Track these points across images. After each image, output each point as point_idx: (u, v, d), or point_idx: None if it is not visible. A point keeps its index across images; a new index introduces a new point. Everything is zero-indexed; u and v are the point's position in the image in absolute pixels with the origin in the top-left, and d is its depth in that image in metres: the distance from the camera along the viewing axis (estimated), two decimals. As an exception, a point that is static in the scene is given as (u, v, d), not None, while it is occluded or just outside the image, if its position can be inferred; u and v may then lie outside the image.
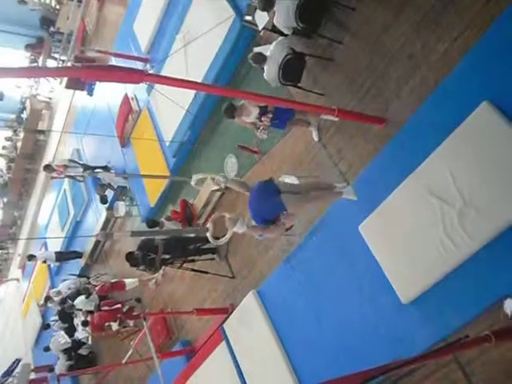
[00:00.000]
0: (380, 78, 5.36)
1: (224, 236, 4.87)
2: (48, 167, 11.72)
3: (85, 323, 11.35)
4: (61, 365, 12.58)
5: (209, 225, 5.02)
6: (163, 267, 8.76)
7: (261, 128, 5.90)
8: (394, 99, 5.18)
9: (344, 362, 4.72)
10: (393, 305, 4.51)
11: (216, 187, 6.58)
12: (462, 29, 4.58)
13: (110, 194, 11.87)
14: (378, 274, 4.61)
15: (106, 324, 10.52)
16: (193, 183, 6.10)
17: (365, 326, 4.83)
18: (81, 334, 12.34)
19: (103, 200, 11.77)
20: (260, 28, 6.47)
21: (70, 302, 11.76)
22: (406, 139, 4.66)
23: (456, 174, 4.08)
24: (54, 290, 13.66)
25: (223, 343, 6.81)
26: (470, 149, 4.01)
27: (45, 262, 15.42)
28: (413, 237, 4.38)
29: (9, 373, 15.49)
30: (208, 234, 4.91)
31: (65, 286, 13.03)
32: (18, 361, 16.05)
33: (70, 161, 12.04)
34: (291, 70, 5.83)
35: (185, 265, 8.18)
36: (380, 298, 4.69)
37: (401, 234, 4.49)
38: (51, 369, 13.53)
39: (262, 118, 5.79)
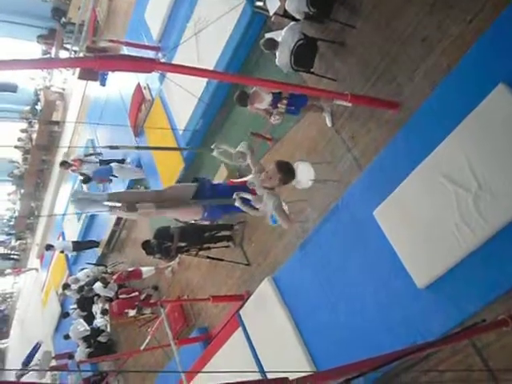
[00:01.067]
0: (393, 63, 5.31)
1: None
2: (64, 164, 11.88)
3: (104, 311, 11.53)
4: (80, 352, 12.81)
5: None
6: (179, 255, 8.83)
7: (275, 113, 5.88)
8: (408, 84, 5.13)
9: (360, 346, 4.72)
10: (408, 290, 4.50)
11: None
12: (477, 11, 4.50)
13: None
14: (393, 259, 4.60)
15: (125, 311, 10.70)
16: (215, 154, 6.09)
17: (380, 311, 4.83)
18: (99, 321, 12.54)
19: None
20: (271, 13, 6.42)
21: (86, 288, 11.95)
22: (420, 124, 4.61)
23: (471, 158, 4.03)
24: (73, 276, 13.89)
25: (240, 329, 6.86)
26: (486, 132, 3.96)
27: (62, 252, 15.65)
28: (428, 221, 4.36)
29: (30, 357, 15.78)
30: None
31: (83, 273, 13.26)
32: (38, 345, 16.31)
33: (86, 155, 12.18)
34: (303, 55, 5.80)
35: (200, 252, 8.24)
36: (395, 283, 4.67)
37: (416, 219, 4.46)
38: (71, 356, 13.81)
39: (278, 104, 5.77)
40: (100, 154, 12.70)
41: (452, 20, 4.71)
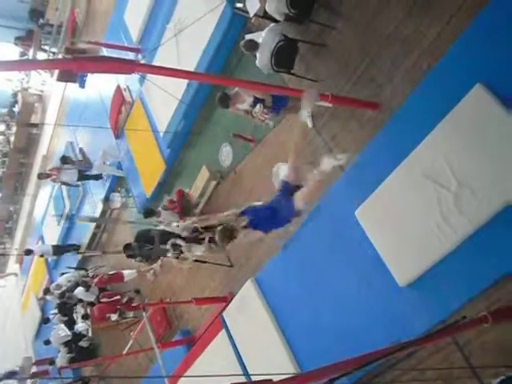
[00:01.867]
0: (373, 63, 5.34)
1: None
2: (42, 175, 11.76)
3: (85, 316, 11.41)
4: (62, 357, 12.65)
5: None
6: (161, 258, 8.76)
7: (260, 117, 5.90)
8: (388, 84, 5.17)
9: (343, 346, 4.72)
10: (390, 288, 4.53)
11: None
12: (454, 12, 4.56)
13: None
14: (375, 258, 4.63)
15: (107, 315, 10.60)
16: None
17: (363, 310, 4.86)
18: (81, 326, 12.40)
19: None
20: (251, 15, 6.42)
21: (67, 294, 11.80)
22: (400, 123, 4.66)
23: (450, 157, 4.08)
24: (54, 283, 13.70)
25: (223, 331, 6.85)
26: (464, 131, 4.02)
27: (42, 256, 15.42)
28: (409, 220, 4.40)
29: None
30: None
31: (64, 278, 13.08)
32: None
33: (63, 159, 12.08)
34: (284, 56, 5.80)
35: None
36: (377, 282, 4.71)
37: (397, 218, 4.50)
38: (52, 362, 13.60)
39: (256, 110, 5.78)
40: (75, 161, 12.64)
41: (430, 21, 4.76)
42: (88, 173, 11.82)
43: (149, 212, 8.29)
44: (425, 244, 4.23)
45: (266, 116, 5.84)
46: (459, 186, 4.03)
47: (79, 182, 12.05)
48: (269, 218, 4.64)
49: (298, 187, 4.45)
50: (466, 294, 4.00)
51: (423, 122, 4.33)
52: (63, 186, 15.32)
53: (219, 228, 4.82)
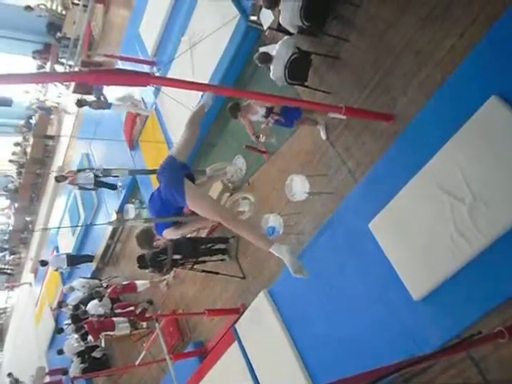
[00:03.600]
0: (387, 75, 5.35)
1: None
2: (59, 177, 11.88)
3: (83, 335, 11.53)
4: (75, 368, 12.67)
5: None
6: (174, 269, 8.79)
7: (263, 126, 5.94)
8: (402, 96, 5.17)
9: (356, 360, 4.69)
10: (404, 302, 4.48)
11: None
12: (469, 23, 4.56)
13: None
14: (389, 271, 4.58)
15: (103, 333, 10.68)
16: (209, 174, 6.10)
17: (376, 323, 4.81)
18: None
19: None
20: (265, 28, 6.48)
21: (82, 307, 11.83)
22: (415, 136, 4.64)
23: (465, 170, 4.05)
24: (68, 285, 13.80)
25: (235, 343, 6.81)
26: (479, 143, 3.98)
27: (57, 270, 15.52)
28: (423, 233, 4.36)
29: None
30: None
31: (79, 282, 13.16)
32: None
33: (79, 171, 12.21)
34: (297, 69, 5.83)
35: (195, 266, 8.20)
36: (391, 296, 4.66)
37: (411, 231, 4.46)
38: (65, 372, 13.65)
39: (268, 118, 5.82)
40: (93, 168, 12.73)
41: (445, 33, 4.76)
42: (103, 179, 11.89)
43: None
44: (439, 257, 4.18)
45: (271, 120, 5.84)
46: (474, 199, 3.99)
47: (95, 187, 12.06)
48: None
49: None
50: (481, 308, 3.94)
51: (438, 134, 4.31)
52: (78, 196, 15.50)
53: (137, 232, 4.84)
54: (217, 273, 7.96)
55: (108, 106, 11.00)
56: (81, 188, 12.08)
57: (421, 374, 4.45)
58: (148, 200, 4.66)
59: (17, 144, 25.22)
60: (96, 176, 11.52)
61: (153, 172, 9.75)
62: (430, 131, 4.46)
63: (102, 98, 11.14)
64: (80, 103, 11.97)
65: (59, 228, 17.08)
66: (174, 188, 4.21)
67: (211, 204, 4.34)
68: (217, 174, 6.00)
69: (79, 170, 12.07)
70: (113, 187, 12.29)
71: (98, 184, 11.89)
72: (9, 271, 29.14)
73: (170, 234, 4.66)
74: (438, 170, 4.26)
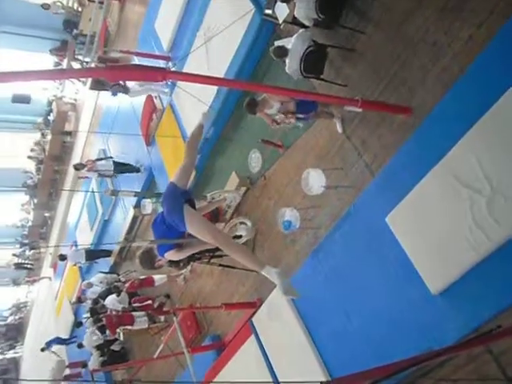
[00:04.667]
0: (404, 67, 5.29)
1: None
2: (78, 165, 12.02)
3: (101, 328, 11.70)
4: (94, 361, 12.86)
5: None
6: (191, 263, 8.84)
7: (285, 121, 5.95)
8: (419, 88, 5.11)
9: (374, 353, 4.69)
10: (422, 296, 4.45)
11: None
12: (487, 14, 4.48)
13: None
14: (406, 264, 4.55)
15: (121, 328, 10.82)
16: (209, 199, 6.29)
17: (394, 317, 4.78)
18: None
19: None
20: (280, 21, 6.45)
21: (101, 301, 11.98)
22: (432, 128, 4.59)
23: (484, 162, 4.00)
24: (86, 281, 14.00)
25: (252, 337, 6.83)
26: (498, 135, 3.93)
27: (75, 264, 15.75)
28: (441, 226, 4.32)
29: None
30: None
31: (97, 278, 13.34)
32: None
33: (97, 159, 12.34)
34: (313, 62, 5.81)
35: (212, 260, 8.24)
36: (409, 289, 4.63)
37: (429, 224, 4.42)
38: (84, 365, 13.85)
39: (286, 120, 5.86)
40: (111, 157, 12.88)
41: (462, 23, 4.69)
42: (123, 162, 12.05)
43: None
44: (457, 250, 4.14)
45: (292, 120, 5.88)
46: (493, 192, 3.94)
47: (115, 173, 12.16)
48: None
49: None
50: (500, 302, 3.89)
51: (456, 126, 4.26)
52: (95, 194, 15.66)
53: (139, 252, 5.16)
54: (233, 267, 7.98)
55: (126, 90, 11.00)
56: (100, 175, 12.20)
57: (439, 368, 4.43)
58: (152, 223, 5.05)
59: (36, 142, 25.49)
60: (115, 162, 11.64)
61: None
62: (447, 123, 4.41)
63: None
64: (97, 85, 11.98)
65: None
66: (175, 214, 4.56)
67: (208, 228, 4.60)
68: (216, 200, 6.18)
69: (98, 159, 12.22)
70: (134, 170, 12.35)
71: (119, 169, 11.99)
72: (29, 266, 29.58)
73: (172, 256, 4.98)
74: (457, 162, 4.21)
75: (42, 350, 16.79)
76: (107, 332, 12.45)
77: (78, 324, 14.83)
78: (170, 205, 4.65)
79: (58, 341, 17.30)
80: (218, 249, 8.00)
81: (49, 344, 16.95)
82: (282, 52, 5.87)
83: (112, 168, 11.96)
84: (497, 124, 3.94)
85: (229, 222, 8.06)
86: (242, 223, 7.26)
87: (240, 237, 7.33)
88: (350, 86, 5.94)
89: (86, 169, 12.05)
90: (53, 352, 17.14)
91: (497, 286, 3.92)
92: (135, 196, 11.58)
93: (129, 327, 11.03)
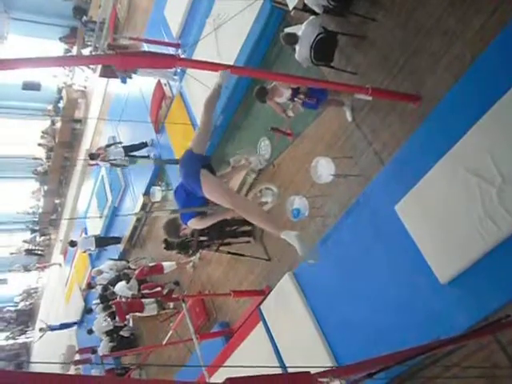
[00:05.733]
0: (414, 55, 5.24)
1: None
2: (93, 155, 12.09)
3: (111, 314, 11.82)
4: (103, 346, 13.02)
5: None
6: (200, 250, 8.89)
7: (290, 107, 5.93)
8: (430, 76, 5.07)
9: (381, 342, 4.71)
10: (431, 285, 4.46)
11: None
12: (499, 2, 4.42)
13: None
14: (415, 254, 4.56)
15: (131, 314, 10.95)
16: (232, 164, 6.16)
17: (402, 306, 4.80)
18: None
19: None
20: (290, 8, 6.39)
21: (111, 288, 12.09)
22: (442, 117, 4.56)
23: (494, 151, 3.97)
24: (96, 268, 14.13)
25: (260, 324, 6.89)
26: (509, 125, 3.90)
27: (85, 251, 15.90)
28: (451, 216, 4.31)
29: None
30: None
31: (107, 265, 13.46)
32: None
33: (107, 145, 12.38)
34: (323, 49, 5.77)
35: (221, 248, 8.28)
36: (418, 279, 4.64)
37: (438, 214, 4.42)
38: (94, 350, 14.03)
39: (295, 98, 5.79)
40: (120, 142, 12.90)
41: (474, 12, 4.63)
42: (135, 153, 12.09)
43: None
44: (467, 240, 4.14)
45: (304, 102, 5.84)
46: (503, 182, 3.91)
47: (127, 160, 12.20)
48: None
49: None
50: (509, 291, 3.89)
51: (466, 115, 4.23)
52: (106, 179, 15.74)
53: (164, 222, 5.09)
54: (242, 255, 8.02)
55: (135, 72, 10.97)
56: (113, 165, 12.27)
57: (447, 356, 4.45)
58: (174, 192, 4.94)
59: (45, 132, 25.55)
60: (125, 147, 11.69)
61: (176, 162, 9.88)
62: (458, 112, 4.38)
63: None
64: (108, 72, 11.94)
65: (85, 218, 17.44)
66: (191, 179, 4.48)
67: (225, 192, 4.50)
68: (240, 164, 6.10)
69: (108, 145, 12.26)
70: (145, 145, 12.43)
71: (129, 153, 12.06)
72: (39, 252, 29.87)
73: (194, 224, 4.87)
74: (467, 151, 4.19)
75: (41, 329, 17.24)
76: (117, 318, 12.60)
77: (88, 310, 15.01)
78: (187, 170, 4.58)
79: (61, 326, 17.60)
80: (226, 236, 8.13)
81: (52, 328, 17.31)
82: (292, 39, 5.83)
83: (123, 155, 12.00)
84: (508, 113, 3.91)
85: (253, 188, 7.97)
86: (267, 189, 7.14)
87: (265, 203, 7.23)
88: (360, 73, 5.90)
89: (99, 159, 12.11)
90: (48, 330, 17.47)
91: (506, 275, 3.91)
92: (154, 163, 11.52)
93: (138, 314, 11.13)
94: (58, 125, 24.33)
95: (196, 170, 4.45)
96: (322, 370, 2.29)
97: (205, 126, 4.78)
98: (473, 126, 4.13)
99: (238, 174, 6.42)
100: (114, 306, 11.16)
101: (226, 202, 4.40)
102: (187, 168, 4.57)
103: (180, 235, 5.22)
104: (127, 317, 11.33)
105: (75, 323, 17.66)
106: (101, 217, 15.79)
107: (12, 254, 29.88)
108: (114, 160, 11.85)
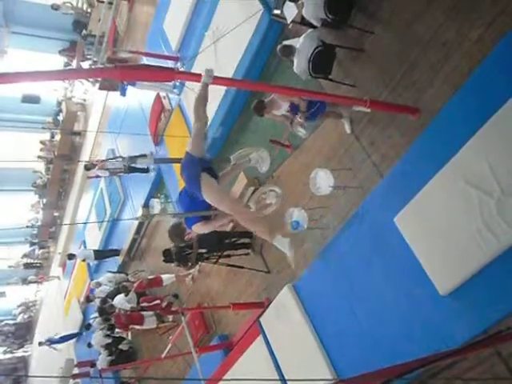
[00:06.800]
0: (413, 67, 5.28)
1: None
2: (88, 165, 12.08)
3: (111, 326, 11.76)
4: (102, 360, 12.91)
5: None
6: (199, 263, 8.86)
7: (298, 125, 5.94)
8: (428, 88, 5.09)
9: (382, 354, 4.68)
10: (430, 297, 4.44)
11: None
12: (497, 14, 4.46)
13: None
14: (414, 265, 4.54)
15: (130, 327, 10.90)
16: (233, 161, 6.14)
17: (402, 318, 4.77)
18: (119, 331, 12.66)
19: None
20: (289, 21, 6.45)
21: (110, 301, 12.02)
22: (441, 128, 4.57)
23: (493, 163, 3.97)
24: (94, 281, 14.08)
25: (260, 337, 6.84)
26: (508, 136, 3.91)
27: (84, 260, 15.85)
28: (450, 228, 4.30)
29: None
30: None
31: (105, 278, 13.41)
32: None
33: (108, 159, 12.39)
34: (321, 62, 5.80)
35: (220, 260, 8.25)
36: (417, 291, 4.61)
37: (438, 225, 4.41)
38: (93, 364, 13.92)
39: (298, 118, 5.83)
40: (120, 157, 12.91)
41: (472, 23, 4.67)
42: (134, 165, 12.07)
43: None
44: (466, 252, 4.12)
45: (304, 125, 5.88)
46: (502, 193, 3.91)
47: (126, 171, 12.21)
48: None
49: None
50: (509, 303, 3.87)
51: (465, 127, 4.24)
52: (104, 191, 15.72)
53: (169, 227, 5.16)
54: (241, 267, 7.99)
55: (133, 83, 11.00)
56: (111, 174, 12.25)
57: (447, 369, 4.41)
58: (178, 196, 5.00)
59: (43, 142, 25.57)
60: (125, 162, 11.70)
61: (177, 161, 9.84)
62: (457, 123, 4.39)
63: None
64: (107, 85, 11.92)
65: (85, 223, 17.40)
66: (192, 183, 4.51)
67: (223, 197, 4.58)
68: (241, 162, 6.09)
69: (108, 159, 12.27)
70: (144, 171, 12.40)
71: (129, 169, 12.05)
72: (38, 265, 29.76)
73: (198, 229, 4.89)
74: (466, 163, 4.19)
75: (40, 344, 16.98)
76: (116, 330, 12.53)
77: (87, 326, 14.86)
78: (187, 174, 4.59)
79: (60, 340, 17.44)
80: (225, 248, 8.10)
81: (51, 341, 17.14)
82: (288, 51, 5.87)
83: (122, 166, 12.01)
84: (507, 125, 3.92)
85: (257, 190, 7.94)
86: (271, 190, 7.14)
87: (269, 205, 7.23)
88: (359, 86, 5.93)
89: (96, 168, 12.11)
90: (52, 347, 17.27)
91: (506, 287, 3.90)
92: (155, 163, 11.51)
93: (138, 326, 11.07)
94: (57, 137, 24.35)
95: (196, 174, 4.47)
96: (321, 383, 2.27)
97: (199, 125, 4.75)
98: (471, 137, 4.14)
99: (238, 171, 6.40)
100: (113, 318, 11.11)
101: (224, 206, 4.47)
102: (188, 172, 4.59)
103: (185, 239, 5.22)
104: (128, 328, 11.28)
105: (76, 335, 17.46)
106: (100, 226, 15.78)
107: (11, 267, 29.78)
108: (113, 169, 11.86)
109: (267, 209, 5.81)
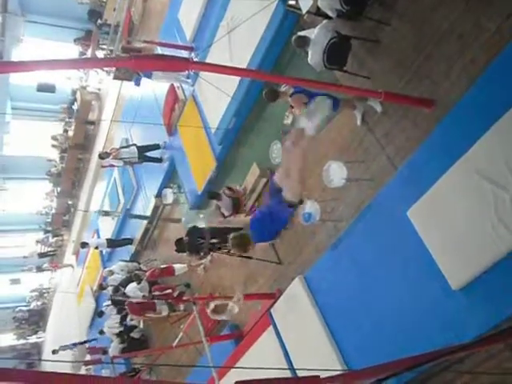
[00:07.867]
0: (428, 60, 5.22)
1: None
2: (103, 154, 12.18)
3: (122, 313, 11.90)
4: (114, 347, 13.06)
5: None
6: (211, 253, 8.90)
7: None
8: (444, 80, 5.04)
9: (392, 347, 4.67)
10: (443, 291, 4.42)
11: None
12: (516, 5, 4.39)
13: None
14: (427, 259, 4.52)
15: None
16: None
17: (414, 312, 4.76)
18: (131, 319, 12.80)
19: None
20: (304, 12, 6.40)
21: (122, 289, 12.14)
22: (456, 121, 4.53)
23: (509, 156, 3.93)
24: (107, 268, 14.21)
25: (271, 327, 6.87)
26: (525, 130, 3.86)
27: (97, 248, 16.00)
28: (464, 221, 4.27)
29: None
30: None
31: (118, 266, 13.53)
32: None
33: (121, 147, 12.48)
34: (336, 53, 5.76)
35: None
36: (429, 284, 4.60)
37: (451, 219, 4.38)
38: (105, 351, 14.10)
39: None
40: (134, 144, 12.99)
41: (489, 15, 4.61)
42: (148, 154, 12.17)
43: (212, 194, 8.53)
44: (480, 246, 4.10)
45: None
46: (518, 187, 3.88)
47: (140, 160, 12.32)
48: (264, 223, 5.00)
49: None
50: (522, 298, 3.85)
51: (480, 120, 4.19)
52: (118, 181, 15.83)
53: (232, 235, 5.11)
54: (251, 258, 8.01)
55: (150, 74, 11.05)
56: (126, 163, 12.35)
57: (458, 363, 4.40)
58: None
59: (54, 138, 25.74)
60: (139, 149, 11.76)
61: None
62: (472, 117, 4.34)
63: None
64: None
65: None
66: None
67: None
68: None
69: (122, 147, 12.35)
70: (158, 160, 12.50)
71: (143, 157, 12.14)
72: (51, 253, 30.10)
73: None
74: (481, 156, 4.15)
75: (54, 352, 16.50)
76: (128, 319, 12.66)
77: (99, 313, 15.02)
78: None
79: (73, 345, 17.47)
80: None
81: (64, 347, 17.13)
82: (303, 42, 5.84)
83: (136, 154, 12.09)
84: (523, 118, 3.88)
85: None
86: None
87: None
88: (374, 78, 5.88)
89: (110, 157, 12.20)
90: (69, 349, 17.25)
91: (519, 282, 3.87)
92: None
93: (151, 314, 11.15)
94: (72, 127, 24.50)
95: None
96: (332, 374, 2.29)
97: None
98: (487, 131, 4.09)
99: None
100: (126, 307, 11.22)
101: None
102: None
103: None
104: (142, 314, 11.38)
105: (85, 342, 17.54)
106: (113, 218, 15.90)
107: (25, 257, 30.15)
108: (127, 158, 11.95)
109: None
